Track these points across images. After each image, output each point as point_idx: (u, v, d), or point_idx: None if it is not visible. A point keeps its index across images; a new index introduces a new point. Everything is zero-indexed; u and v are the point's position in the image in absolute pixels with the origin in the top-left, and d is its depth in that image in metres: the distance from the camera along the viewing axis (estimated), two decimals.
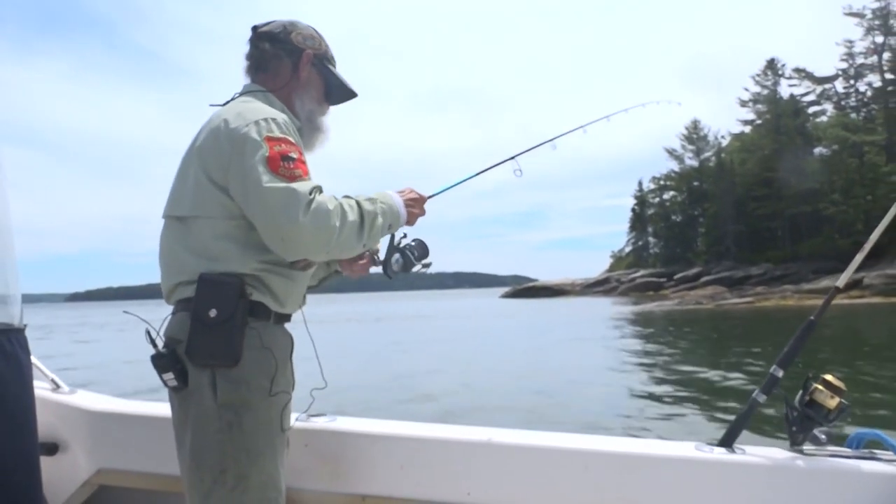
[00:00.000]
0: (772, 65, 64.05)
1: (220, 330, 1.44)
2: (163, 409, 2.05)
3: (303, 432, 1.91)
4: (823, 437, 1.62)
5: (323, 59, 1.78)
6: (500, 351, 16.73)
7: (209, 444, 1.46)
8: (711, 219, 68.31)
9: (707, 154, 73.92)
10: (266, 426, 1.51)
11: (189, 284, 1.50)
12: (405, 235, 1.80)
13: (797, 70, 63.22)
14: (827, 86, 62.48)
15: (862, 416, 6.82)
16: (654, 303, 41.49)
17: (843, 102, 61.96)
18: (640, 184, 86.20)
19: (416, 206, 1.76)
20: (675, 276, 60.86)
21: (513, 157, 2.03)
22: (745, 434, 1.72)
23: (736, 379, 10.40)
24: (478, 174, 1.99)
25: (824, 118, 61.75)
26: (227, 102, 1.66)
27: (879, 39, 57.04)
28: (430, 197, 1.83)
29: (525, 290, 74.05)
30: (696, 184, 74.54)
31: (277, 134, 1.51)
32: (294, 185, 1.45)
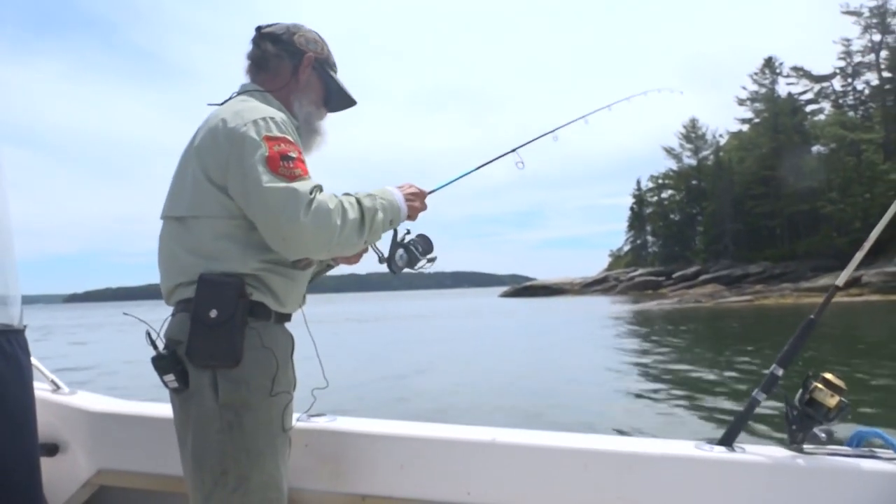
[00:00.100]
0: (769, 63, 64.08)
1: (221, 330, 1.44)
2: (163, 409, 2.05)
3: (303, 432, 1.91)
4: (823, 435, 1.62)
5: (324, 64, 1.78)
6: (500, 350, 16.73)
7: (210, 445, 1.46)
8: (710, 217, 68.33)
9: (705, 153, 73.96)
10: (267, 426, 1.51)
11: (189, 285, 1.50)
12: (408, 231, 1.79)
13: (795, 68, 63.27)
14: (825, 84, 62.52)
15: (862, 415, 6.82)
16: (654, 301, 41.51)
17: (840, 101, 61.99)
18: (638, 183, 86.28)
19: (416, 199, 1.75)
20: (674, 275, 60.90)
21: (514, 150, 2.01)
22: (745, 433, 1.72)
23: (736, 378, 10.40)
24: (479, 168, 1.97)
25: (822, 116, 61.83)
26: (225, 102, 1.66)
27: (877, 38, 57.12)
28: (430, 192, 1.83)
29: (524, 289, 74.07)
30: (694, 182, 74.59)
31: (276, 133, 1.50)
32: (294, 184, 1.44)
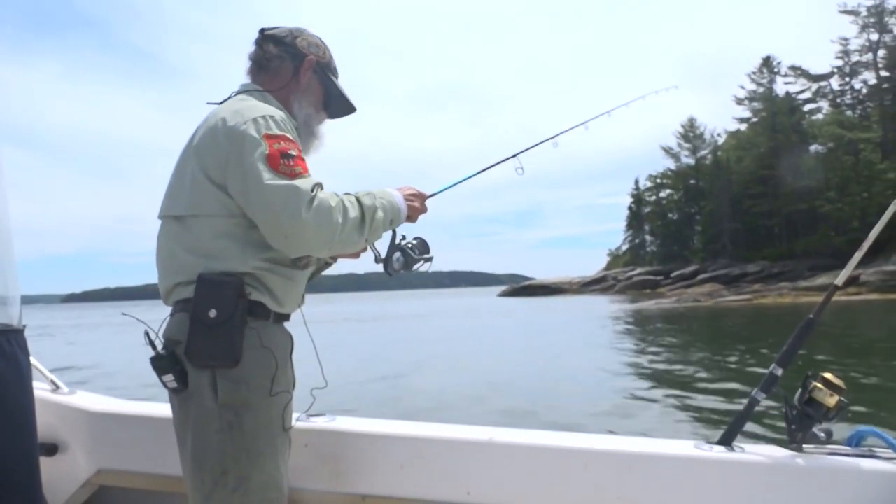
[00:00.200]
0: (767, 63, 64.11)
1: (220, 330, 1.44)
2: (162, 409, 2.05)
3: (303, 432, 1.91)
4: (823, 435, 1.63)
5: (325, 69, 1.78)
6: (499, 350, 16.71)
7: (210, 446, 1.46)
8: (708, 217, 68.38)
9: (703, 152, 73.98)
10: (267, 426, 1.51)
11: (188, 285, 1.50)
12: (404, 237, 1.81)
13: (793, 68, 63.29)
14: (822, 83, 62.54)
15: (861, 415, 6.83)
16: (652, 301, 41.51)
17: (838, 100, 62.00)
18: (636, 182, 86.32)
19: (416, 200, 1.77)
20: (672, 274, 60.93)
21: (514, 156, 2.03)
22: (744, 433, 1.72)
23: (735, 377, 10.40)
24: (479, 173, 1.99)
25: (820, 116, 61.83)
26: (225, 101, 1.66)
27: (874, 37, 57.12)
28: (431, 195, 1.84)
29: (522, 288, 74.06)
30: (692, 182, 74.61)
31: (276, 131, 1.51)
32: (295, 181, 1.45)
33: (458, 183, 1.94)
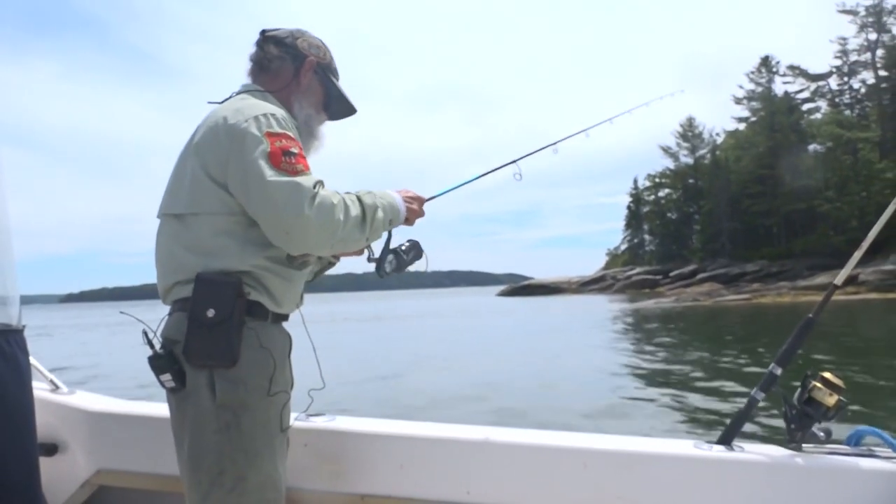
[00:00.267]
0: (766, 62, 64.15)
1: (218, 330, 1.44)
2: (162, 409, 2.05)
3: (302, 432, 1.91)
4: (822, 434, 1.63)
5: (326, 70, 1.79)
6: (498, 349, 16.71)
7: (207, 446, 1.45)
8: (706, 216, 68.42)
9: (702, 151, 73.99)
10: (264, 426, 1.50)
11: (186, 284, 1.49)
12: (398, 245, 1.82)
13: (791, 67, 63.34)
14: (821, 83, 62.58)
15: (861, 414, 6.83)
16: (652, 300, 41.54)
17: (837, 99, 62.05)
18: (635, 181, 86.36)
19: (414, 203, 1.78)
20: (671, 274, 60.96)
21: (514, 161, 2.03)
22: (743, 432, 1.72)
23: (734, 377, 10.41)
24: (478, 178, 2.00)
25: (818, 115, 61.85)
26: (225, 100, 1.66)
27: (873, 36, 57.17)
28: (429, 199, 1.85)
29: (521, 288, 74.09)
30: (691, 181, 74.66)
31: (277, 129, 1.51)
32: (297, 179, 1.45)
33: (456, 188, 1.95)
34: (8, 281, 1.63)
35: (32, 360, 1.87)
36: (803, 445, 1.66)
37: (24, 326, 1.70)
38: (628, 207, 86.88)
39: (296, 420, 1.92)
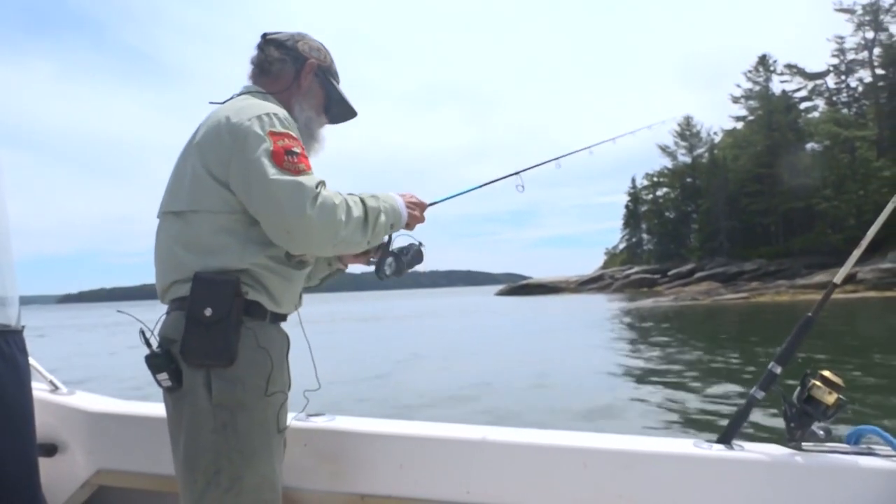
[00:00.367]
0: (763, 61, 64.18)
1: (216, 329, 1.43)
2: (161, 409, 2.04)
3: (302, 432, 1.90)
4: (821, 433, 1.62)
5: (326, 73, 1.79)
6: (498, 349, 16.71)
7: (203, 445, 1.45)
8: (704, 215, 68.47)
9: (700, 150, 73.99)
10: (261, 426, 1.50)
11: (184, 283, 1.49)
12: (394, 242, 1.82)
13: (789, 66, 63.41)
14: (818, 82, 62.68)
15: (860, 413, 6.84)
16: (650, 299, 41.56)
17: (834, 98, 62.16)
18: (633, 181, 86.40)
19: (416, 209, 1.79)
20: (669, 273, 60.98)
21: (517, 173, 2.04)
22: (743, 431, 1.72)
23: (734, 375, 10.43)
24: (480, 186, 2.01)
25: (816, 114, 61.88)
26: (227, 101, 1.66)
27: (870, 35, 57.27)
28: (430, 204, 1.86)
29: (519, 287, 74.12)
30: (689, 180, 74.68)
31: (280, 129, 1.51)
32: (299, 178, 1.45)
33: (458, 195, 1.96)
34: (7, 281, 1.63)
35: (32, 360, 1.87)
36: (803, 444, 1.66)
37: (23, 327, 1.70)
38: (626, 207, 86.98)
39: (295, 420, 1.92)
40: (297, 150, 1.50)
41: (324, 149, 1.81)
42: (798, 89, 63.46)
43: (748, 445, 1.70)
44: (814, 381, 1.64)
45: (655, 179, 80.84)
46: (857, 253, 1.69)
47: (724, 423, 1.75)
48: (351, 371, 11.86)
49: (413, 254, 1.84)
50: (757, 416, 1.76)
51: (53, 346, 22.60)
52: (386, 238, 1.76)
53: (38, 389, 2.15)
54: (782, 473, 1.62)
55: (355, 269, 1.95)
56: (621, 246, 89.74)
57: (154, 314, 1.57)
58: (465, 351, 16.55)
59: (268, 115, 1.52)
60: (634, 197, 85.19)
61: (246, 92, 1.69)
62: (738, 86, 66.36)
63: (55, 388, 2.24)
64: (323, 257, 1.90)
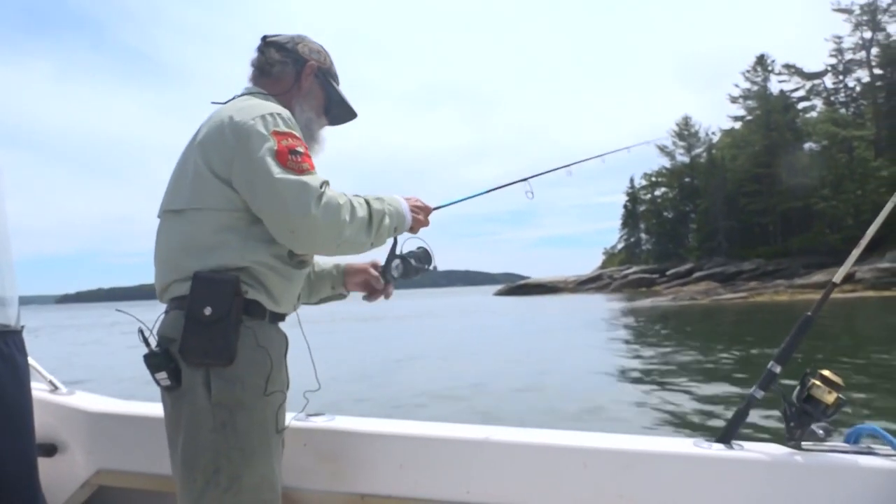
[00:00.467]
0: (762, 61, 64.25)
1: (215, 328, 1.43)
2: (161, 409, 2.05)
3: (301, 432, 1.90)
4: (821, 432, 1.62)
5: (326, 74, 1.80)
6: (497, 349, 16.71)
7: (202, 444, 1.44)
8: (703, 215, 68.56)
9: (698, 150, 74.09)
10: (261, 426, 1.50)
11: (183, 282, 1.49)
12: (403, 245, 1.82)
13: (787, 66, 63.50)
14: (816, 81, 62.81)
15: (860, 412, 6.85)
16: (649, 299, 41.58)
17: (832, 98, 62.28)
18: (631, 181, 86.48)
19: (421, 213, 1.79)
20: (668, 273, 61.06)
21: (525, 179, 2.03)
22: (743, 430, 1.73)
23: (733, 375, 10.44)
24: (487, 192, 2.00)
25: (814, 114, 62.00)
26: (229, 101, 1.67)
27: (868, 35, 57.40)
28: (435, 208, 1.86)
29: (518, 287, 74.11)
30: (687, 180, 74.79)
31: (283, 128, 1.52)
32: (304, 178, 1.46)
33: (463, 199, 1.96)
34: (6, 281, 1.63)
35: (32, 360, 1.87)
36: (802, 443, 1.66)
37: (22, 327, 1.69)
38: (625, 207, 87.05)
39: (295, 420, 1.91)
40: (301, 149, 1.51)
41: (324, 150, 1.81)
42: (796, 89, 63.61)
43: (748, 445, 1.70)
44: (813, 381, 1.64)
45: (654, 179, 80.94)
46: (856, 252, 1.69)
47: (724, 422, 1.75)
48: (350, 371, 11.86)
49: (421, 256, 1.85)
50: (757, 415, 1.75)
51: (52, 347, 22.56)
52: (392, 241, 1.77)
53: (38, 389, 2.14)
54: (782, 473, 1.62)
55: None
56: (620, 246, 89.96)
57: (152, 314, 1.57)
58: (465, 351, 16.55)
59: (271, 114, 1.52)
60: (633, 197, 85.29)
61: (248, 93, 1.70)
62: (737, 86, 66.58)
63: (55, 388, 2.24)
64: (327, 279, 1.92)
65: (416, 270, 1.84)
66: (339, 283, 1.94)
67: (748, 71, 64.94)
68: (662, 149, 76.00)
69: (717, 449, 1.68)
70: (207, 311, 1.43)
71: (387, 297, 1.91)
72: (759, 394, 1.69)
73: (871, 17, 56.35)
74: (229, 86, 1.75)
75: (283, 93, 1.72)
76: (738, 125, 67.94)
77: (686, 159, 75.13)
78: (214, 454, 1.44)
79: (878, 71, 57.25)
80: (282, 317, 1.65)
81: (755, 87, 64.75)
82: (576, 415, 7.74)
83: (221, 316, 1.43)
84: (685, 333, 19.83)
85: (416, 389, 10.03)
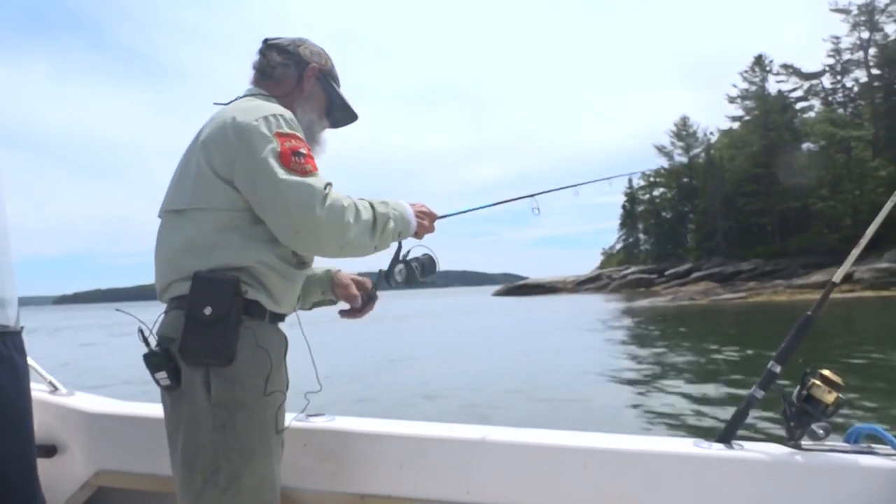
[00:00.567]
0: (759, 61, 64.31)
1: (215, 328, 1.43)
2: (161, 410, 2.04)
3: (301, 432, 1.90)
4: (821, 431, 1.62)
5: (328, 77, 1.81)
6: (497, 350, 16.72)
7: (202, 444, 1.44)
8: (701, 215, 68.60)
9: (696, 150, 74.19)
10: (260, 426, 1.50)
11: (184, 282, 1.49)
12: (409, 251, 1.83)
13: (785, 66, 63.54)
14: (814, 82, 62.83)
15: (860, 411, 6.86)
16: (648, 299, 41.61)
17: (830, 98, 62.32)
18: (630, 181, 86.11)
19: (426, 219, 1.80)
20: (666, 273, 61.08)
21: (532, 195, 2.04)
22: (743, 430, 1.73)
23: (733, 375, 10.45)
24: (493, 205, 2.01)
25: (812, 114, 62.06)
26: (231, 102, 1.67)
27: (865, 35, 57.45)
28: (441, 217, 1.87)
29: (517, 287, 74.13)
30: (685, 180, 74.85)
31: (286, 130, 1.52)
32: (308, 179, 1.46)
33: (469, 210, 1.97)
34: (6, 282, 1.62)
35: (31, 361, 1.87)
36: (803, 443, 1.66)
37: (22, 328, 1.69)
38: (623, 207, 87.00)
39: (295, 420, 1.91)
40: (304, 151, 1.51)
41: (325, 152, 1.82)
42: (794, 89, 63.68)
43: (748, 444, 1.70)
44: (813, 380, 1.64)
45: (652, 179, 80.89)
46: (856, 251, 1.69)
47: (724, 422, 1.75)
48: (350, 371, 11.86)
49: (425, 263, 1.85)
50: (757, 415, 1.76)
51: (50, 348, 22.52)
52: (396, 245, 1.77)
53: (38, 390, 2.14)
54: (782, 472, 1.62)
55: (351, 268, 1.95)
56: (618, 246, 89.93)
57: (150, 315, 1.57)
58: (465, 351, 16.56)
59: (274, 116, 1.53)
60: (631, 197, 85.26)
61: (250, 94, 1.70)
62: (735, 86, 66.61)
63: (55, 389, 2.24)
64: (317, 284, 1.92)
65: (419, 277, 1.84)
66: (329, 289, 1.94)
67: (746, 71, 65.06)
68: (661, 149, 76.20)
69: (718, 449, 1.68)
70: (207, 310, 1.43)
71: (361, 315, 1.92)
72: (759, 393, 1.69)
73: (868, 18, 56.43)
74: (227, 85, 1.75)
75: (285, 95, 1.72)
76: (736, 125, 68.00)
77: (684, 159, 75.21)
78: (214, 454, 1.44)
79: (875, 71, 57.31)
80: (282, 317, 1.65)
81: (753, 88, 64.83)
82: (574, 415, 7.74)
83: (221, 316, 1.43)
84: (684, 334, 19.84)
85: (415, 390, 10.04)
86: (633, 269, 69.41)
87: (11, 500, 1.58)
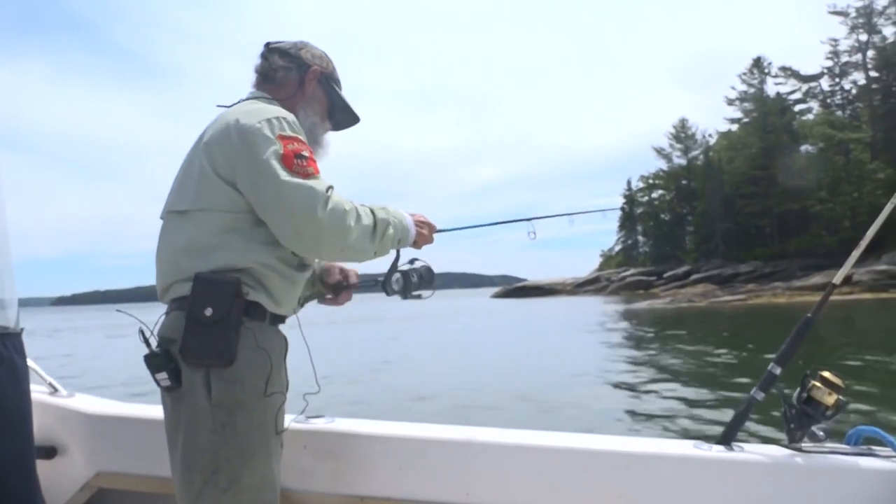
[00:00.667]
0: (758, 63, 64.40)
1: (216, 329, 1.44)
2: (161, 411, 2.04)
3: (301, 433, 1.90)
4: (822, 433, 1.63)
5: (329, 79, 1.81)
6: (496, 351, 16.73)
7: (202, 445, 1.45)
8: (700, 217, 68.64)
9: (695, 152, 74.27)
10: (260, 427, 1.50)
11: (185, 283, 1.50)
12: (409, 261, 1.85)
13: (783, 68, 63.64)
14: (812, 84, 62.95)
15: (860, 413, 6.86)
16: (646, 301, 41.62)
17: (828, 100, 62.44)
18: (628, 183, 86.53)
19: (425, 228, 1.81)
20: (665, 275, 61.09)
21: (529, 220, 2.06)
22: (743, 432, 1.73)
23: (733, 377, 10.45)
24: (491, 224, 2.05)
25: (810, 116, 62.21)
26: (234, 104, 1.67)
27: (864, 37, 57.61)
28: (440, 231, 1.88)
29: (516, 289, 74.14)
30: (684, 182, 74.89)
31: (289, 132, 1.53)
32: (309, 182, 1.47)
33: (468, 227, 1.99)
34: (6, 283, 1.62)
35: (31, 362, 1.86)
36: (803, 445, 1.67)
37: (22, 329, 1.69)
38: (622, 209, 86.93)
39: (295, 421, 1.91)
40: (306, 154, 1.52)
41: (328, 154, 1.83)
42: (792, 91, 63.78)
43: (748, 446, 1.70)
44: (814, 382, 1.64)
45: (651, 181, 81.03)
46: (856, 253, 1.69)
47: (724, 424, 1.75)
48: (349, 372, 11.85)
49: (424, 275, 1.86)
50: (757, 417, 1.75)
51: (49, 348, 22.51)
52: (394, 254, 1.78)
53: (38, 391, 2.14)
54: (782, 474, 1.62)
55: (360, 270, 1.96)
56: (617, 248, 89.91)
57: (149, 316, 1.57)
58: (464, 353, 16.54)
59: (277, 118, 1.54)
60: (630, 199, 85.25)
61: (253, 97, 1.71)
62: (733, 88, 66.74)
63: (54, 391, 2.24)
64: (308, 279, 1.92)
65: (415, 287, 1.86)
66: (318, 281, 1.95)
67: (745, 73, 65.15)
68: (659, 151, 76.29)
69: (718, 451, 1.68)
70: (208, 311, 1.43)
71: (339, 303, 1.95)
72: (760, 395, 1.69)
73: (866, 20, 56.57)
74: (225, 86, 1.75)
75: (288, 98, 1.73)
76: (734, 127, 68.11)
77: (683, 162, 75.32)
78: (214, 455, 1.44)
79: (873, 73, 57.45)
80: (282, 319, 1.65)
81: (752, 90, 64.91)
82: (573, 418, 7.74)
83: (222, 317, 1.44)
84: (682, 336, 19.84)
85: (414, 391, 10.03)
86: (631, 271, 69.42)
87: (11, 501, 1.58)
